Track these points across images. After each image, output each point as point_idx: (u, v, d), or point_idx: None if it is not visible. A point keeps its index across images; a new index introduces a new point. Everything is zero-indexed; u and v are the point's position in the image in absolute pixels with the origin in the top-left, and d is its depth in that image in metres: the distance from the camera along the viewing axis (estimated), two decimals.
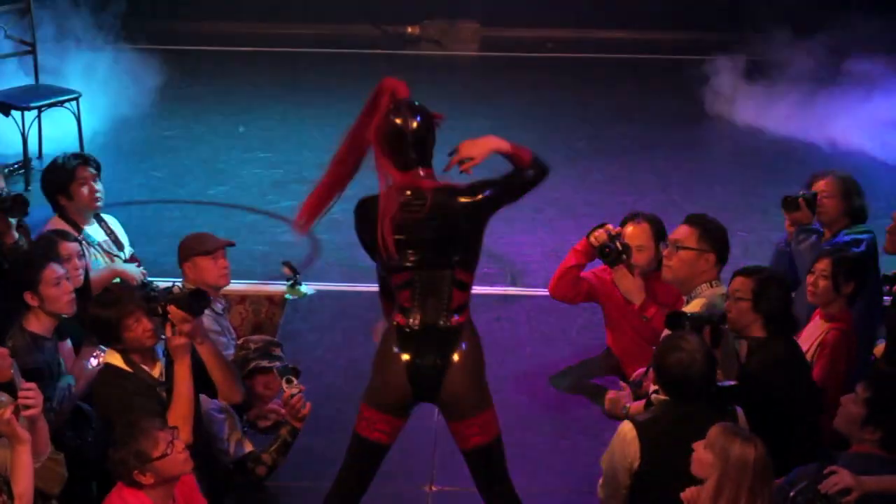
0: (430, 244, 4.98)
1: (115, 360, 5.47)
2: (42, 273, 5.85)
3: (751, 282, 5.71)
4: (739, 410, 5.30)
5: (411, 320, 5.00)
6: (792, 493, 4.90)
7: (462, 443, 5.09)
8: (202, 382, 5.46)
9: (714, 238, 6.24)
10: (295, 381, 5.98)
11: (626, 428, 5.16)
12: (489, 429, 5.06)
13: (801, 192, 6.83)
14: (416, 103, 5.04)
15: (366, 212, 5.04)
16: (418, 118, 4.98)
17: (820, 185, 6.88)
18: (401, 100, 5.00)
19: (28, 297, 5.86)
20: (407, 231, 4.96)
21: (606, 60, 12.90)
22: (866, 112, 10.66)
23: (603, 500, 5.31)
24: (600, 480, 5.31)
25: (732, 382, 5.45)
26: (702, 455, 4.77)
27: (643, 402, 6.02)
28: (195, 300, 5.32)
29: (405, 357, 4.99)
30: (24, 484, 4.74)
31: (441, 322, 5.00)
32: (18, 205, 6.44)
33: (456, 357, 4.98)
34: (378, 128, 4.97)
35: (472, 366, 5.02)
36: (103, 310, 5.45)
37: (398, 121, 4.96)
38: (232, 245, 6.67)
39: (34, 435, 4.84)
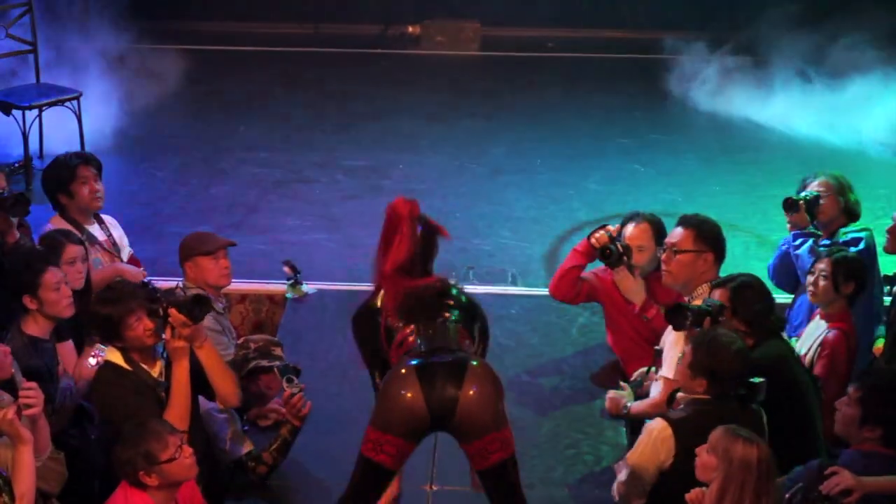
0: (430, 307, 5.11)
1: (116, 358, 5.46)
2: (42, 277, 5.84)
3: (726, 292, 5.75)
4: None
5: (422, 349, 5.00)
6: (788, 495, 4.90)
7: (482, 461, 4.98)
8: (201, 384, 5.46)
9: (710, 237, 6.25)
10: (295, 381, 5.98)
11: (661, 426, 5.14)
12: (508, 445, 5.00)
13: (803, 195, 6.84)
14: (423, 216, 5.17)
15: (363, 319, 5.22)
16: (426, 236, 5.15)
17: (814, 187, 6.89)
18: (417, 223, 5.13)
19: (27, 301, 5.86)
20: (412, 306, 5.09)
21: (607, 60, 12.88)
22: (869, 110, 10.65)
23: (623, 498, 5.27)
24: (620, 478, 5.27)
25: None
26: (705, 459, 4.75)
27: (643, 402, 6.03)
28: (196, 306, 5.30)
29: (419, 384, 4.90)
30: (26, 484, 4.74)
31: (451, 346, 5.01)
32: (20, 204, 6.44)
33: (470, 380, 4.90)
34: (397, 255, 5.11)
35: (488, 385, 4.95)
36: (105, 307, 5.44)
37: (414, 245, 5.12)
38: (233, 245, 6.67)
39: (35, 434, 4.84)
